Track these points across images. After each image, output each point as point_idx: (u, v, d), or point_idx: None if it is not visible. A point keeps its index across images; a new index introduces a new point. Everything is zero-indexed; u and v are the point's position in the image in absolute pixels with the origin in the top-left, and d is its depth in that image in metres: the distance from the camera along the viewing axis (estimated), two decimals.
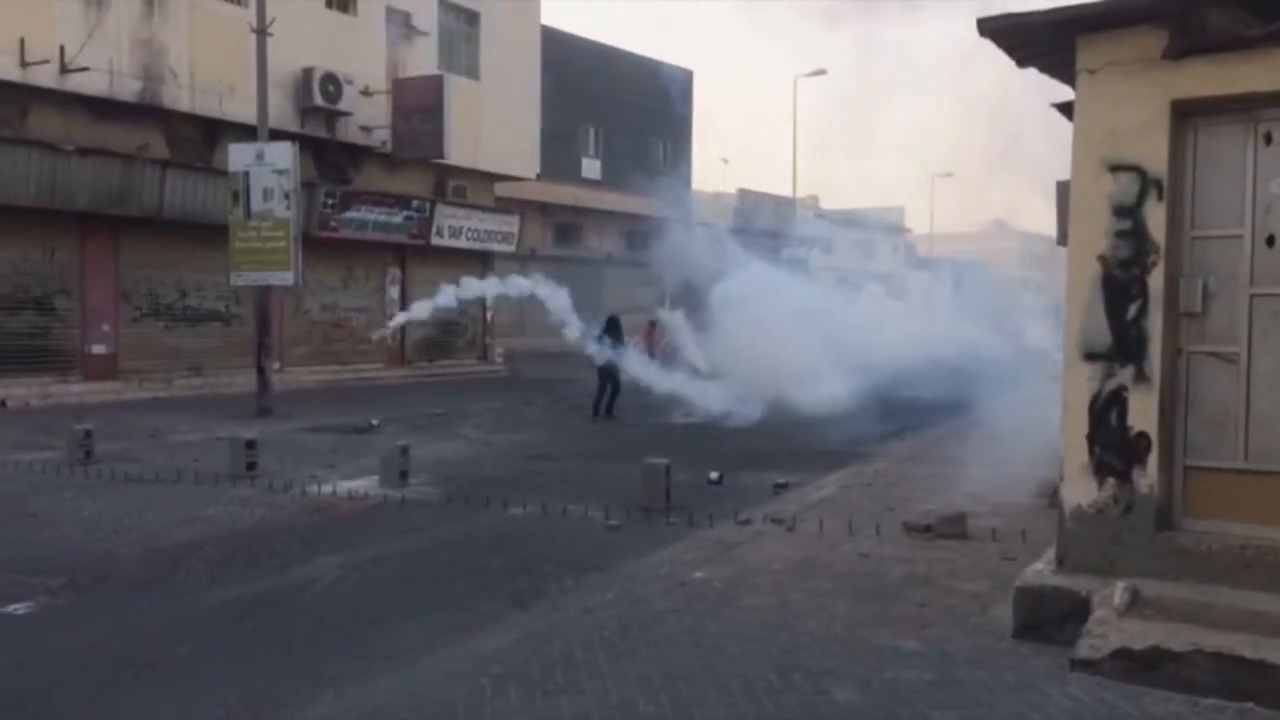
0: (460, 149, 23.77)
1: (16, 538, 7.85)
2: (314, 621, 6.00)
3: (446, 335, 25.86)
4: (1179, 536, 5.30)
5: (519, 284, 18.38)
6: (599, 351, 16.90)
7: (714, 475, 10.73)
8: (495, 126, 25.43)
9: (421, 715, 4.34)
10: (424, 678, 4.83)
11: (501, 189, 27.92)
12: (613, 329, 17.50)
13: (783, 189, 45.53)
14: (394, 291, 24.38)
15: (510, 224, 26.56)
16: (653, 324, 21.86)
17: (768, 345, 17.85)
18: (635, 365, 17.52)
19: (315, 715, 4.43)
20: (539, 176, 28.55)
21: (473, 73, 25.49)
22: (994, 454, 10.82)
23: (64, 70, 17.26)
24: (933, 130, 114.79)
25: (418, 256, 24.53)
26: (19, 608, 6.01)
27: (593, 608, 5.95)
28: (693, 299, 27.97)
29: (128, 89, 18.39)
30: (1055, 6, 5.44)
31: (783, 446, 13.47)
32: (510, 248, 26.83)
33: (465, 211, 25.12)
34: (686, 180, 37.80)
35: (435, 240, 24.14)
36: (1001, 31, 5.67)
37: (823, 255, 48.22)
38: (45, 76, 17.09)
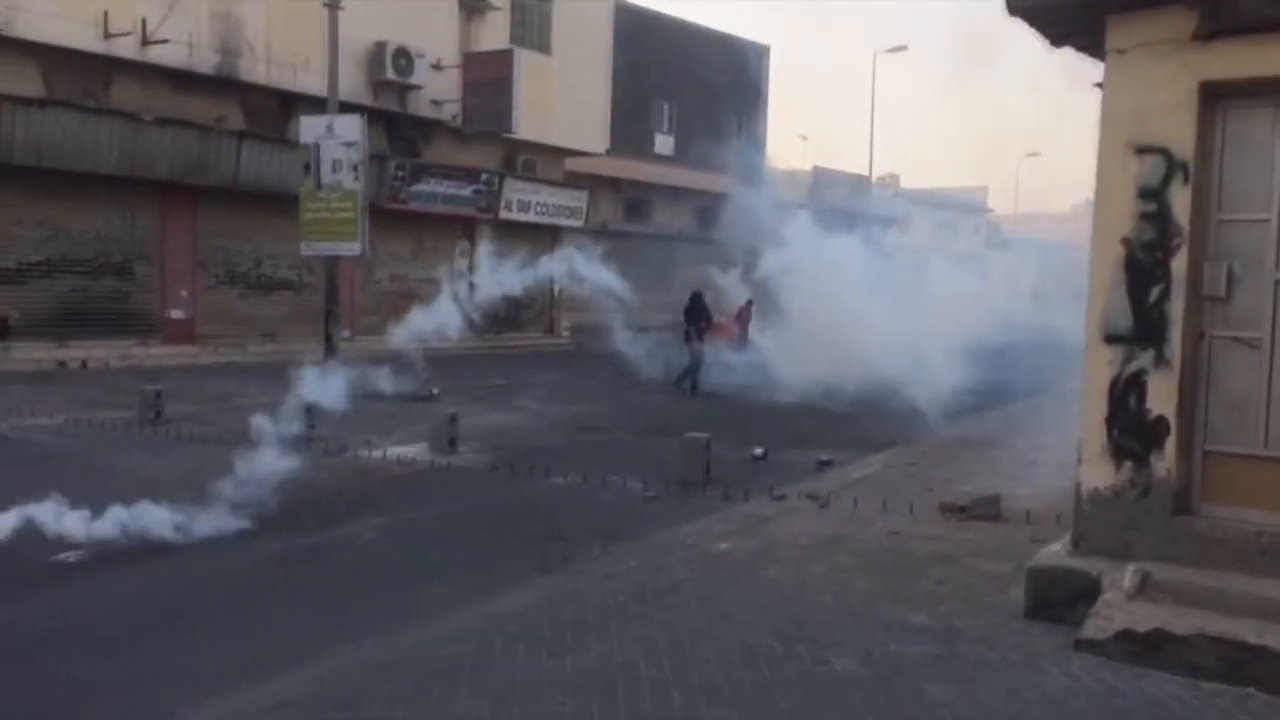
0: (530, 123, 23.96)
1: (77, 490, 8.19)
2: (347, 578, 6.26)
3: (513, 308, 26.15)
4: (1195, 522, 5.27)
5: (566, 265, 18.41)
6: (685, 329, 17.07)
7: (758, 451, 10.83)
8: (565, 101, 25.57)
9: (432, 669, 4.54)
10: (439, 634, 5.04)
11: (572, 164, 28.09)
12: (696, 305, 17.68)
13: (863, 168, 45.01)
14: (462, 264, 24.73)
15: (579, 199, 26.74)
16: (749, 303, 21.85)
17: (832, 320, 17.78)
18: (719, 343, 17.67)
19: (332, 665, 4.65)
20: (609, 152, 28.67)
21: (544, 47, 25.65)
22: (1048, 439, 10.74)
23: (145, 42, 17.79)
24: (1019, 108, 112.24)
25: (486, 229, 24.82)
26: (70, 555, 6.38)
27: (613, 574, 6.12)
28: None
29: (206, 61, 18.90)
30: None
31: (836, 425, 13.48)
32: (579, 223, 27.00)
33: (534, 186, 25.36)
34: (761, 157, 37.61)
35: (504, 214, 24.42)
36: (1032, 10, 5.64)
37: (900, 235, 47.61)
38: (127, 48, 17.64)
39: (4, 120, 15.96)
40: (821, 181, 40.39)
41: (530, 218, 25.28)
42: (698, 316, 17.60)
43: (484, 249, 17.54)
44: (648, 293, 36.45)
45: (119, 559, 6.47)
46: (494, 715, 4.08)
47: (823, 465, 10.33)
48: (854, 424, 13.61)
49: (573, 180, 27.75)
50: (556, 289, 27.43)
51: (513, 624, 5.13)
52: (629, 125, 32.30)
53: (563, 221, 26.44)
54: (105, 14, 17.30)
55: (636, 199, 35.63)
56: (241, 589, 5.92)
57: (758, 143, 39.26)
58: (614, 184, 33.16)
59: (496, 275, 12.80)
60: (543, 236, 26.64)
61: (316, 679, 4.45)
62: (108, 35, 17.38)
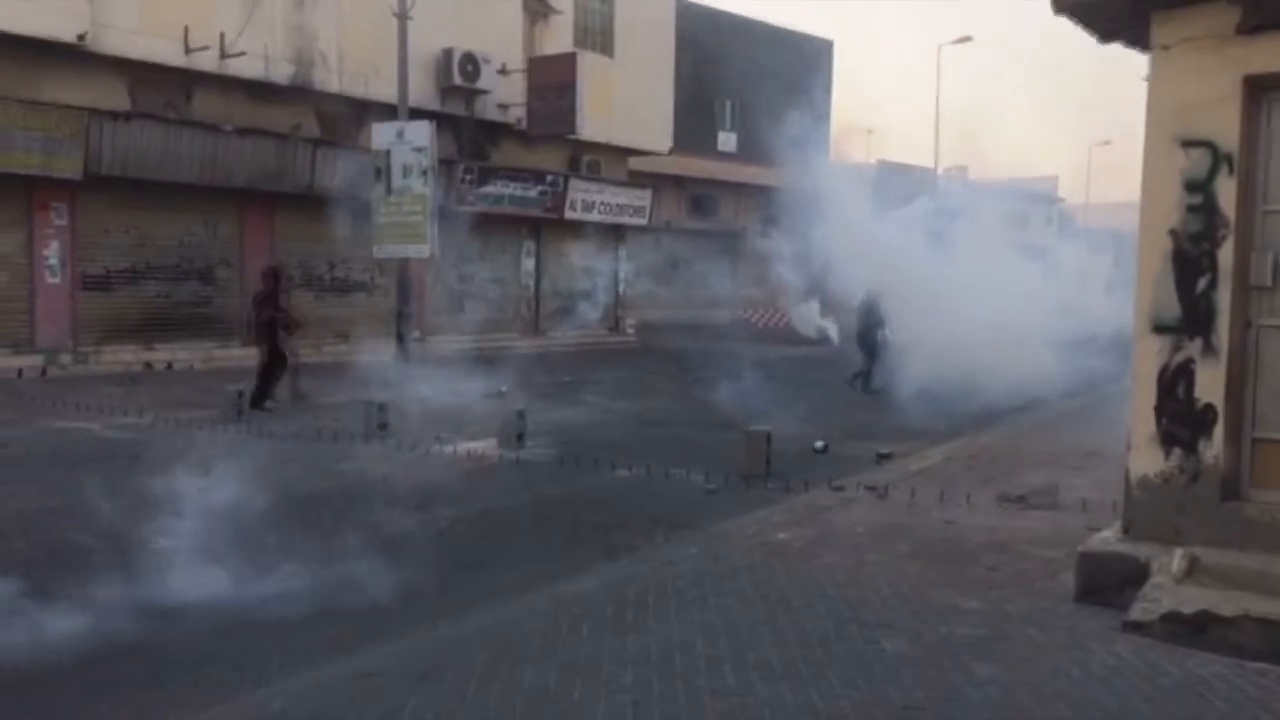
0: (594, 125, 24.32)
1: (170, 485, 8.72)
2: (421, 566, 6.57)
3: (579, 306, 26.57)
4: (1243, 507, 5.37)
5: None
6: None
7: (819, 444, 11.00)
8: (629, 102, 25.90)
9: (503, 645, 4.83)
10: (510, 615, 5.33)
11: (636, 163, 28.42)
12: (871, 307, 17.78)
13: (929, 160, 44.67)
14: (529, 264, 25.21)
15: (643, 198, 27.06)
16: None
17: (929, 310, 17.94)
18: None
19: (409, 643, 4.97)
20: (672, 150, 28.94)
21: (607, 49, 26.00)
22: (1113, 430, 10.75)
23: (223, 56, 18.49)
24: (1090, 97, 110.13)
25: (552, 229, 25.29)
26: (168, 543, 6.78)
27: (675, 561, 6.37)
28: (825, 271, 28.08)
29: (282, 72, 19.56)
30: None
31: (901, 417, 13.58)
32: (643, 221, 27.34)
33: (598, 186, 25.73)
34: (825, 152, 37.55)
35: (569, 214, 24.82)
36: (1078, 7, 5.78)
37: (969, 227, 47.05)
38: (207, 62, 18.35)
39: (93, 133, 16.72)
40: (885, 175, 40.16)
41: (595, 217, 25.66)
42: (872, 317, 17.58)
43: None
44: (713, 289, 36.78)
45: (211, 548, 6.86)
46: (559, 686, 4.35)
47: (883, 458, 10.48)
48: (913, 412, 13.68)
49: (637, 179, 28.07)
50: (621, 287, 27.82)
51: (578, 605, 5.41)
52: (692, 123, 32.52)
53: (627, 220, 26.80)
54: (186, 29, 18.01)
55: (701, 195, 35.85)
56: (324, 575, 6.25)
57: (822, 138, 39.21)
58: (678, 182, 33.41)
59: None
60: (607, 235, 27.06)
61: (397, 654, 4.76)
62: (188, 50, 18.10)
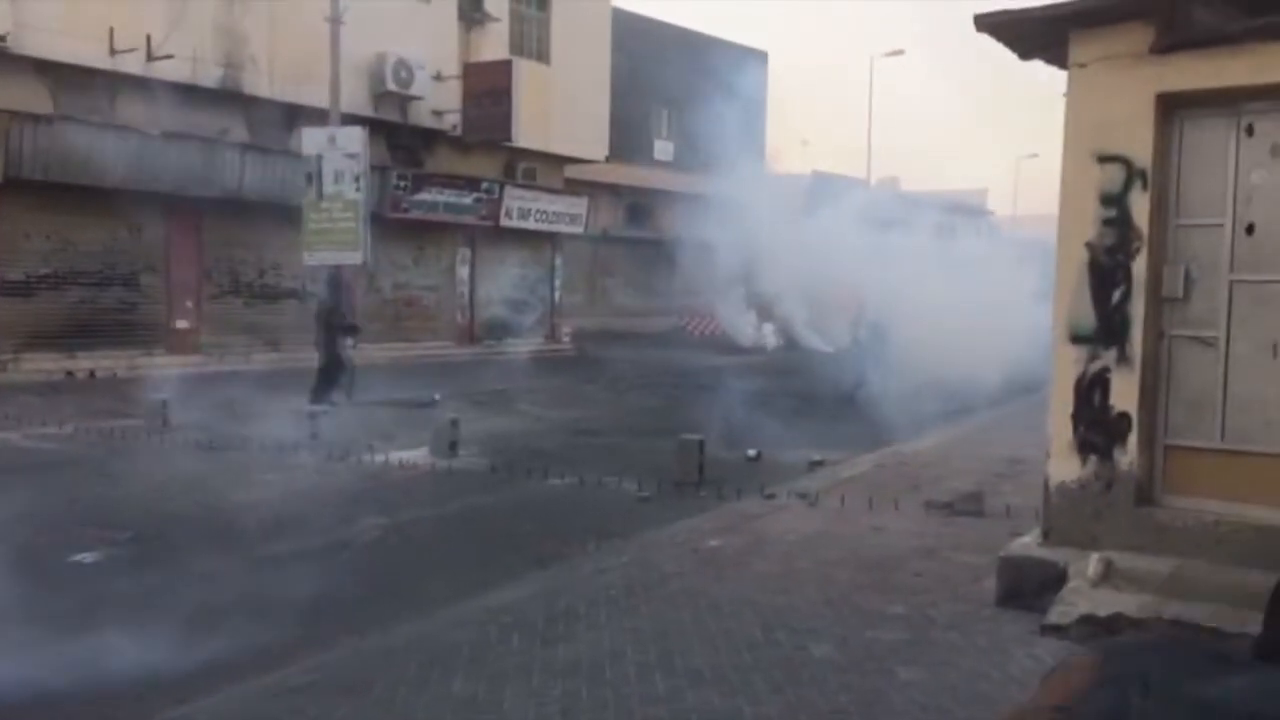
0: (530, 132, 24.26)
1: (92, 496, 8.58)
2: (352, 575, 6.54)
3: (515, 315, 26.48)
4: (1157, 512, 5.53)
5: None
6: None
7: (751, 452, 11.10)
8: (565, 110, 25.88)
9: (431, 655, 4.81)
10: (439, 625, 5.31)
11: (572, 171, 28.41)
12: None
13: (863, 172, 45.27)
14: (464, 271, 25.06)
15: (579, 206, 27.05)
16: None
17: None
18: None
19: (337, 655, 4.92)
20: (609, 158, 28.99)
21: (544, 57, 25.96)
22: (1037, 437, 10.97)
23: (150, 58, 18.09)
24: (1018, 109, 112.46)
25: (487, 237, 25.16)
26: (87, 556, 6.67)
27: (606, 569, 6.39)
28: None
29: (210, 76, 19.21)
30: (1049, 3, 5.67)
31: (833, 425, 13.75)
32: (579, 229, 27.34)
33: (534, 194, 25.67)
34: (759, 161, 37.91)
35: (504, 221, 24.72)
36: (998, 26, 5.91)
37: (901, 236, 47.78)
38: (133, 64, 17.95)
39: (13, 136, 16.28)
40: (819, 185, 40.63)
41: (531, 225, 25.60)
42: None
43: None
44: (649, 298, 36.90)
45: (134, 559, 6.75)
46: (488, 696, 4.35)
47: (815, 465, 10.59)
48: (844, 419, 13.88)
49: (574, 187, 28.06)
50: (557, 296, 27.78)
51: (508, 615, 5.40)
52: (629, 132, 32.63)
53: (563, 228, 26.77)
54: (111, 31, 17.61)
55: (638, 204, 35.95)
56: (251, 587, 6.17)
57: (756, 147, 39.57)
58: (615, 190, 33.50)
59: None
60: (543, 243, 27.02)
61: (323, 666, 4.72)
62: (114, 52, 17.69)
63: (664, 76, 36.06)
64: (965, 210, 61.58)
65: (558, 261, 27.78)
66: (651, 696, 4.38)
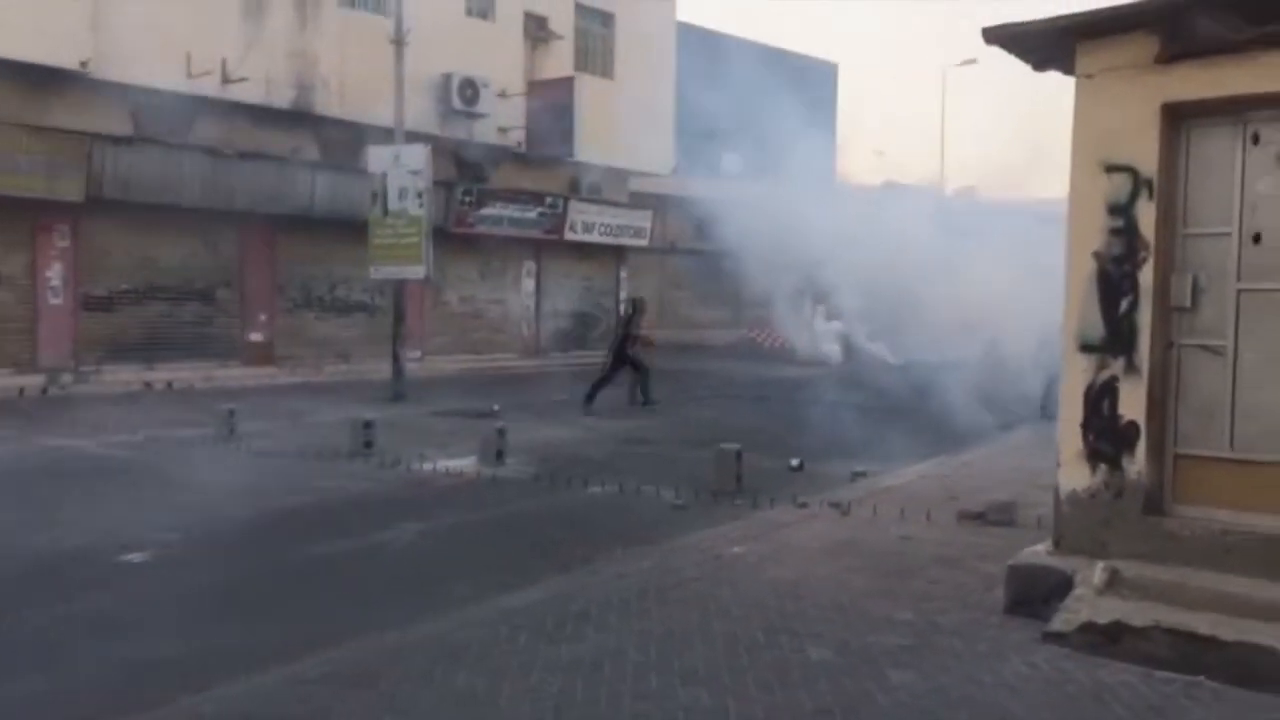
0: (594, 147, 24.63)
1: (152, 500, 9.01)
2: (383, 576, 6.82)
3: (580, 327, 26.87)
4: (1165, 521, 5.53)
5: None
6: None
7: (794, 462, 11.16)
8: (629, 124, 26.13)
9: (439, 652, 5.02)
10: (452, 623, 5.53)
11: (639, 184, 28.71)
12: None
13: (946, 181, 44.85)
14: (529, 284, 25.49)
15: (643, 219, 27.34)
16: None
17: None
18: None
19: (355, 647, 5.16)
20: (676, 171, 29.21)
21: (607, 72, 26.35)
22: None
23: (225, 81, 18.88)
24: None
25: (552, 250, 25.58)
26: (137, 556, 7.04)
27: (625, 573, 6.55)
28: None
29: (282, 97, 19.94)
30: (1055, 15, 5.73)
31: (885, 434, 13.77)
32: (643, 242, 27.62)
33: (598, 207, 26.03)
34: (830, 173, 37.83)
35: (569, 235, 25.12)
36: (1008, 40, 5.98)
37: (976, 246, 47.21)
38: (209, 87, 18.73)
39: (95, 157, 17.08)
40: (890, 196, 40.34)
41: (595, 238, 25.96)
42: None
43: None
44: (718, 310, 37.00)
45: (181, 560, 7.11)
46: (487, 691, 4.54)
47: (857, 475, 10.62)
48: (899, 429, 13.85)
49: (639, 200, 28.35)
50: (622, 308, 28.04)
51: (520, 616, 5.60)
52: (697, 144, 32.82)
53: (627, 241, 27.08)
54: (188, 55, 18.40)
55: (706, 217, 36.08)
56: (286, 586, 6.50)
57: (826, 158, 39.47)
58: (683, 203, 33.70)
59: None
60: (608, 256, 27.34)
61: (336, 660, 4.96)
62: (191, 75, 18.48)
63: (732, 89, 36.23)
64: (1052, 220, 60.62)
65: (623, 274, 28.07)
66: (643, 693, 4.53)
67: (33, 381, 17.08)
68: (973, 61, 44.42)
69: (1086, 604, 5.25)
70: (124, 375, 18.17)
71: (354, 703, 4.41)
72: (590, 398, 16.46)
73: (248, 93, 19.18)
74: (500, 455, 10.93)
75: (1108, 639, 5.03)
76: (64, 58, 16.75)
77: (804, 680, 4.72)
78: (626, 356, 17.02)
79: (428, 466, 10.74)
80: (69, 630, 5.63)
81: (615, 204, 26.92)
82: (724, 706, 4.41)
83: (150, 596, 6.24)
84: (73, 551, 7.16)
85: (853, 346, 28.68)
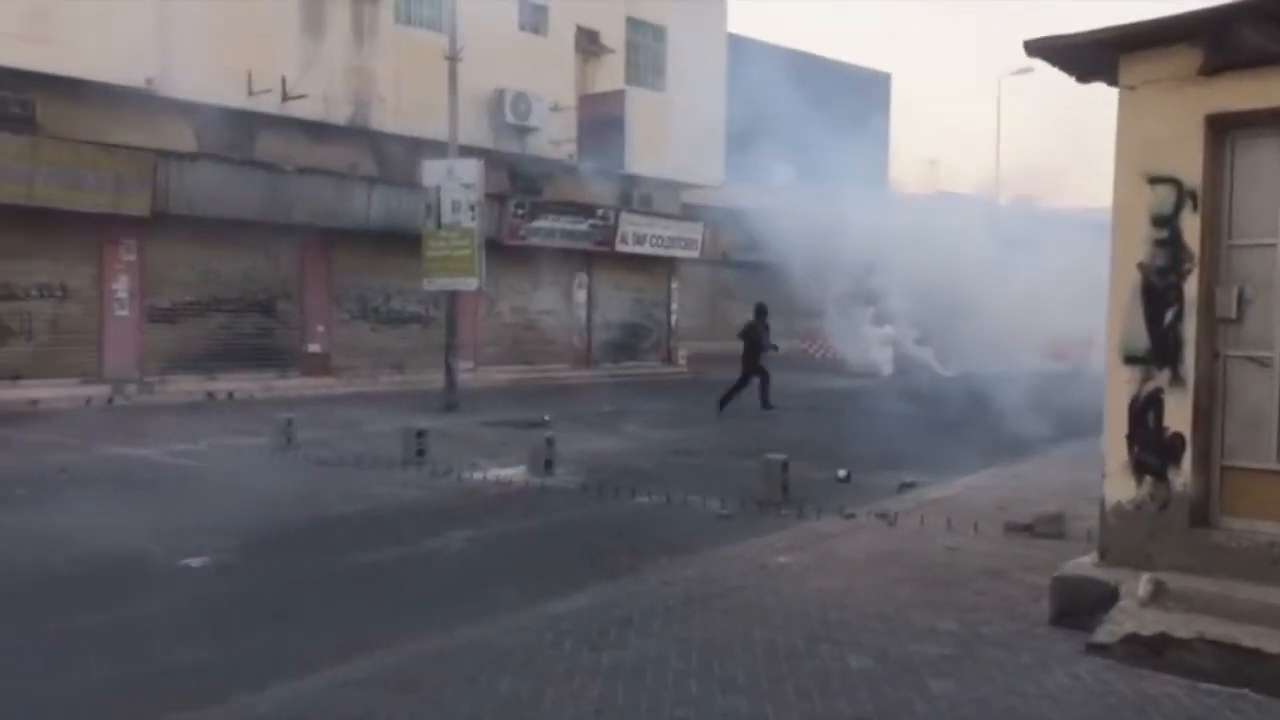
0: (645, 159, 24.83)
1: (210, 506, 9.26)
2: (432, 582, 6.96)
3: (631, 338, 27.03)
4: (1212, 534, 5.49)
5: None
6: None
7: (842, 473, 11.17)
8: (680, 136, 26.33)
9: (485, 657, 5.14)
10: (498, 629, 5.64)
11: (691, 196, 28.82)
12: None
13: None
14: (580, 296, 25.69)
15: (694, 230, 27.43)
16: None
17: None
18: None
19: (402, 652, 5.29)
20: (729, 182, 29.28)
21: (659, 85, 26.53)
22: None
23: (285, 98, 19.31)
24: None
25: (603, 262, 25.78)
26: (195, 561, 7.26)
27: (670, 581, 6.63)
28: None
29: (340, 113, 20.35)
30: (1097, 28, 5.73)
31: (936, 446, 13.73)
32: (694, 254, 27.72)
33: (649, 219, 26.19)
34: (883, 183, 37.70)
35: (620, 247, 25.30)
36: (1050, 52, 5.99)
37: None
38: (269, 104, 19.18)
39: (160, 173, 17.57)
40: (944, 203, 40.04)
41: (647, 250, 26.11)
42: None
43: None
44: (770, 321, 36.81)
45: (237, 564, 7.32)
46: (530, 694, 4.65)
47: (905, 487, 10.60)
48: (954, 439, 13.82)
49: (691, 212, 28.46)
50: (673, 319, 28.17)
51: (566, 622, 5.70)
52: (748, 156, 32.84)
53: (678, 253, 27.20)
54: (249, 73, 18.85)
55: (758, 228, 36.06)
56: (338, 591, 6.67)
57: (879, 168, 39.31)
58: (735, 214, 33.72)
59: None
60: (659, 268, 27.46)
61: (383, 664, 5.09)
62: (251, 93, 18.92)
63: (784, 100, 36.23)
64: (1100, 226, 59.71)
65: (674, 285, 28.19)
66: (683, 700, 4.61)
67: (99, 392, 17.56)
68: (1029, 70, 44.06)
69: (1131, 616, 5.24)
70: (187, 385, 18.62)
71: (399, 705, 4.53)
72: (724, 403, 17.56)
73: (306, 109, 19.61)
74: (549, 465, 11.06)
75: (1152, 651, 5.01)
76: (130, 76, 17.26)
77: (843, 688, 4.76)
78: (758, 363, 17.93)
79: (478, 475, 10.90)
80: (130, 630, 5.83)
81: (666, 215, 27.07)
82: (762, 713, 4.47)
83: (208, 599, 6.44)
84: (135, 555, 7.40)
85: (904, 357, 28.54)
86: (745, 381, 17.93)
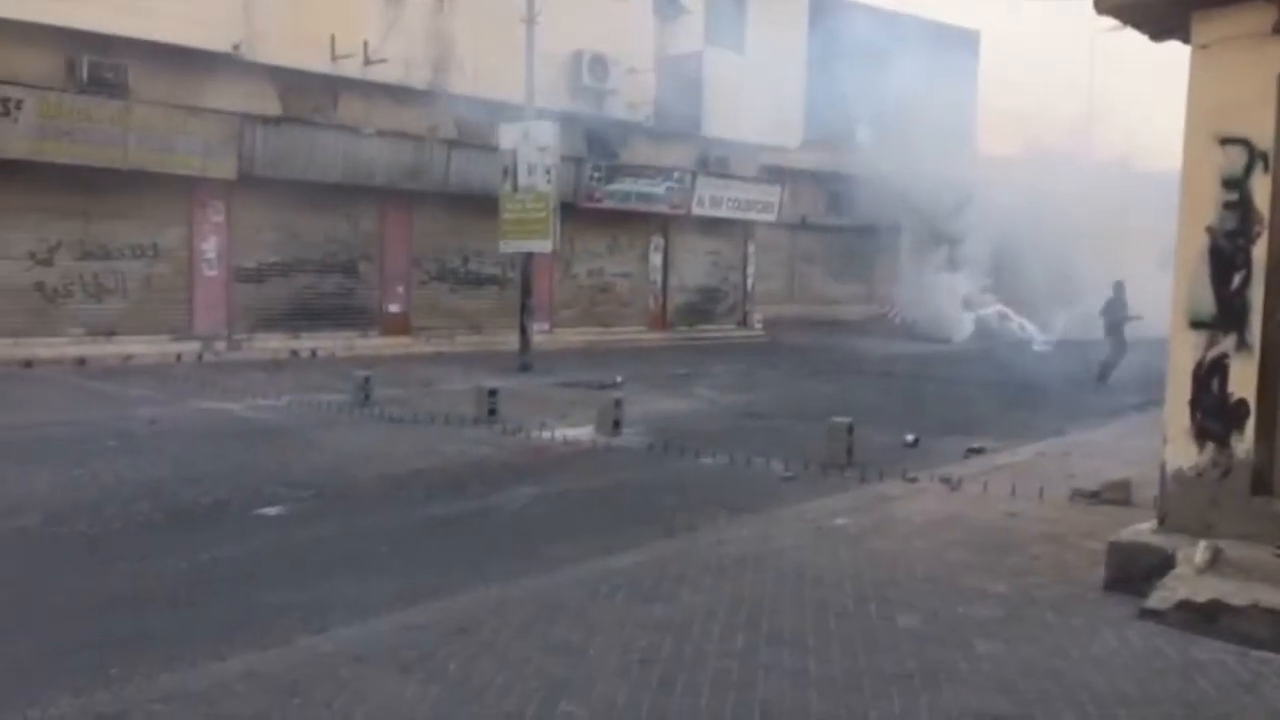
0: (722, 121, 24.69)
1: (290, 459, 9.61)
2: (495, 536, 7.17)
3: (707, 301, 27.02)
4: (1273, 502, 5.41)
5: None
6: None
7: (909, 438, 11.13)
8: (758, 98, 26.02)
9: (540, 607, 5.30)
10: (556, 581, 5.80)
11: (770, 158, 28.58)
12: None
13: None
14: (656, 259, 25.73)
15: (771, 194, 27.21)
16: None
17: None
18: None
19: (460, 600, 5.49)
20: (809, 144, 28.95)
21: (738, 46, 26.23)
22: None
23: (367, 62, 19.57)
24: None
25: (680, 225, 25.74)
26: (272, 510, 7.57)
27: (725, 540, 6.73)
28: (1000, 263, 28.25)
29: (420, 77, 20.56)
30: None
31: (1014, 411, 13.65)
32: (771, 217, 27.51)
33: (725, 182, 26.03)
34: (972, 143, 36.95)
35: (696, 210, 25.22)
36: (1121, 9, 5.88)
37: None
38: (351, 68, 19.46)
39: (246, 137, 17.99)
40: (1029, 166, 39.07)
41: (723, 213, 25.99)
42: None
43: None
44: (850, 284, 36.58)
45: (311, 514, 7.61)
46: (579, 643, 4.79)
47: (972, 452, 10.53)
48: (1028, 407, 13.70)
49: (770, 174, 28.24)
50: (750, 283, 28.07)
51: (620, 577, 5.84)
52: (829, 117, 32.39)
53: (755, 216, 27.03)
54: (333, 38, 19.15)
55: (838, 191, 35.65)
56: (406, 542, 6.91)
57: (967, 129, 38.46)
58: (814, 177, 33.35)
59: None
60: (736, 231, 27.35)
61: (444, 610, 5.29)
62: (334, 57, 19.22)
63: (867, 60, 35.59)
64: None
65: (750, 249, 28.05)
66: (727, 652, 4.71)
67: (189, 348, 18.17)
68: (1122, 26, 42.57)
69: (1185, 582, 5.20)
70: (272, 343, 19.16)
71: (456, 647, 4.71)
72: (1103, 376, 17.79)
73: (387, 73, 19.85)
74: (617, 425, 11.21)
75: (1205, 617, 4.98)
76: (217, 41, 17.67)
77: (889, 646, 4.82)
78: (1123, 335, 18.17)
79: (546, 435, 11.10)
80: (206, 575, 6.13)
81: (743, 178, 26.88)
82: (804, 667, 4.55)
83: (282, 547, 6.72)
84: (215, 505, 7.74)
85: (987, 322, 28.10)
86: (1122, 352, 17.97)
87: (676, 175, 24.72)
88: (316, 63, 19.12)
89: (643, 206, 24.24)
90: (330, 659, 4.57)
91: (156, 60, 17.36)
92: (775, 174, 28.64)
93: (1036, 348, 25.22)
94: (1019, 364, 20.26)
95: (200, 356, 18.15)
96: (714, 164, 26.35)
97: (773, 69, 26.39)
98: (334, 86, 19.76)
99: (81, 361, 16.72)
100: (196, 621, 5.39)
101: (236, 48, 17.86)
